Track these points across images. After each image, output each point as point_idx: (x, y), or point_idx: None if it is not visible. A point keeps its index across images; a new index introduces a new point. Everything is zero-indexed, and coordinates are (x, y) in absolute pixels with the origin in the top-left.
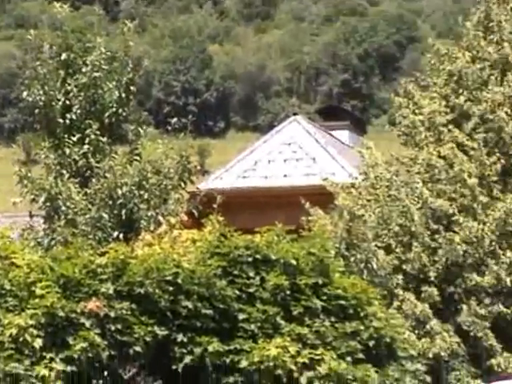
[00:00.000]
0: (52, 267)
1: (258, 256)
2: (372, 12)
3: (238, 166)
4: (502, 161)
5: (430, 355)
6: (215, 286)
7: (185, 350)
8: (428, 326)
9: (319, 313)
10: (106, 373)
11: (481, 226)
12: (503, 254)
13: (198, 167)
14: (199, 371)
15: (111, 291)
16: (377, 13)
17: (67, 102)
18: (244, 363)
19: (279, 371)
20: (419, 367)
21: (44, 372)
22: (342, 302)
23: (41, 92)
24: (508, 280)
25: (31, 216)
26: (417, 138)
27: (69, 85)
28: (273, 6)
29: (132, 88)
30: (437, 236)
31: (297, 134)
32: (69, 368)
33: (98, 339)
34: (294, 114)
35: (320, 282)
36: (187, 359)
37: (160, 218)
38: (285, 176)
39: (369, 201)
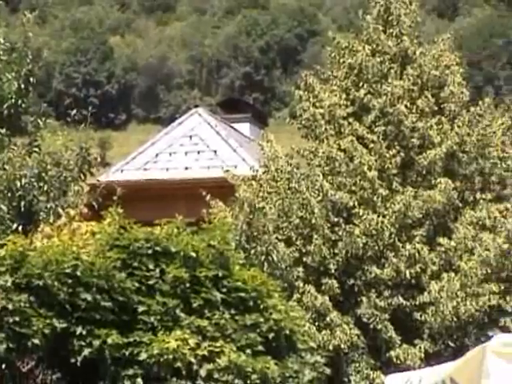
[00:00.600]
0: None
1: (157, 248)
2: (273, 5)
3: (138, 158)
4: (402, 154)
5: (330, 347)
6: (114, 278)
7: (84, 343)
8: (328, 319)
9: (219, 305)
10: (3, 365)
11: (380, 219)
12: (402, 247)
13: (99, 159)
14: (98, 364)
15: (9, 283)
16: (278, 6)
17: None
18: (143, 356)
19: (179, 364)
20: (319, 359)
21: None
22: (242, 295)
23: None
24: (407, 272)
25: None
26: (317, 130)
27: None
28: None
29: (31, 79)
30: (337, 228)
31: (198, 127)
32: None
33: None
34: (196, 107)
35: (220, 274)
36: (86, 352)
37: (59, 210)
38: (186, 168)
39: (269, 193)
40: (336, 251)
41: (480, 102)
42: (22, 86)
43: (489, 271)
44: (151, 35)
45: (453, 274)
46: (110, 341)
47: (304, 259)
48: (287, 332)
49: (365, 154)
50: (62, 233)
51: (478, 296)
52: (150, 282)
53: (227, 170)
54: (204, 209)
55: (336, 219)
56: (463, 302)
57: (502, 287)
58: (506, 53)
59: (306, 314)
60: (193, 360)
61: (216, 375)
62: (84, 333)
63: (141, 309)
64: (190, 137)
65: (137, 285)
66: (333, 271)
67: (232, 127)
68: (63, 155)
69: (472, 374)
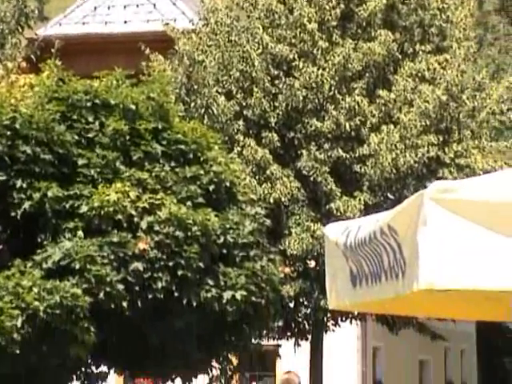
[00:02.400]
0: None
1: (97, 101)
2: None
3: (77, 11)
4: (342, 5)
5: (271, 200)
6: (54, 130)
7: (23, 196)
8: (268, 172)
9: (159, 158)
10: None
11: (320, 72)
12: (342, 99)
13: (36, 12)
14: (39, 217)
15: None
16: None
17: None
18: (84, 208)
19: (119, 216)
20: (259, 211)
21: None
22: (182, 147)
23: None
24: (347, 125)
25: None
26: None
27: None
28: None
29: None
30: (277, 81)
31: None
32: None
33: None
34: None
35: (160, 126)
36: (26, 205)
37: None
38: (125, 22)
39: (209, 46)
40: (276, 104)
41: None
42: None
43: (428, 123)
44: None
45: (392, 126)
46: (50, 194)
47: (244, 112)
48: (227, 184)
49: (304, 5)
50: (0, 85)
51: (417, 147)
52: (90, 135)
53: (166, 24)
54: (143, 62)
55: (276, 72)
56: (402, 154)
57: (441, 138)
58: None
59: (246, 168)
60: (133, 212)
61: (157, 227)
62: (24, 186)
63: (81, 162)
64: None
65: (76, 137)
66: (273, 124)
67: None
68: None
69: (410, 221)
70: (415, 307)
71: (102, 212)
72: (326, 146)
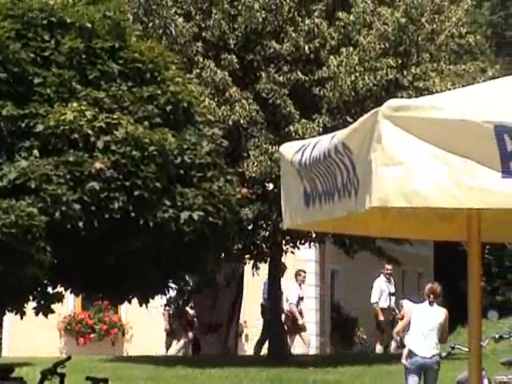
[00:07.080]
0: None
1: (52, 19)
2: None
3: None
4: None
5: (230, 122)
6: (9, 49)
7: None
8: (227, 94)
9: (116, 77)
10: None
11: None
12: (302, 22)
13: None
14: None
15: None
16: None
17: None
18: (40, 127)
19: (75, 135)
20: (216, 131)
21: None
22: (139, 66)
23: None
24: (306, 47)
25: None
26: None
27: None
28: None
29: None
30: (236, 3)
31: None
32: None
33: None
34: None
35: (116, 45)
36: None
37: None
38: None
39: None
40: (235, 26)
41: None
42: None
43: (387, 45)
44: None
45: (351, 49)
46: (4, 112)
47: (203, 34)
48: (185, 105)
49: None
50: None
51: (375, 70)
52: (46, 54)
53: None
54: None
55: None
56: (361, 77)
57: (400, 61)
58: None
59: (205, 90)
60: (90, 132)
61: (113, 147)
62: None
63: (36, 80)
64: None
65: (32, 56)
66: (232, 46)
67: None
68: None
69: (364, 139)
70: (368, 226)
71: (58, 131)
72: (285, 68)
